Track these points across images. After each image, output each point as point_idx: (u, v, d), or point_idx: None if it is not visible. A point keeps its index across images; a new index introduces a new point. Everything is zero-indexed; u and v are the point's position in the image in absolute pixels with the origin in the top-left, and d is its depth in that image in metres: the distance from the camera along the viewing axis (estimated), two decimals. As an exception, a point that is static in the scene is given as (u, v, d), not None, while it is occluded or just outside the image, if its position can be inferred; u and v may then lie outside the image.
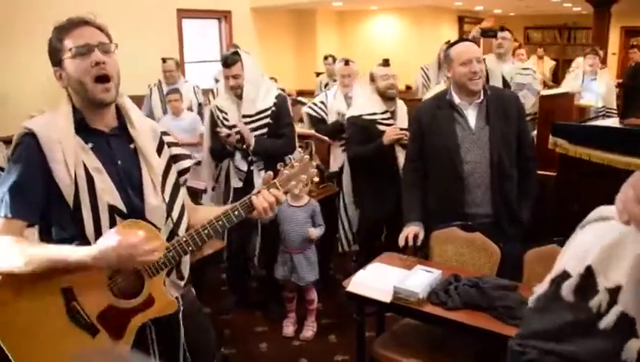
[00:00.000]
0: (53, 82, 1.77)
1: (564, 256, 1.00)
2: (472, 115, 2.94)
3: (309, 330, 3.76)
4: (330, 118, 4.47)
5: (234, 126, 3.69)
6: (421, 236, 2.97)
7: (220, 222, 1.80)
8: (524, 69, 5.30)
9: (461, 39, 3.14)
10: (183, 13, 8.62)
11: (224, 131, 3.69)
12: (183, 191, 1.92)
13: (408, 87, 8.49)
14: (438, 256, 2.96)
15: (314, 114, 4.55)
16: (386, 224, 4.02)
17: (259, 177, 3.71)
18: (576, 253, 0.97)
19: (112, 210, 1.70)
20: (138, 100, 5.89)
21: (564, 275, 0.96)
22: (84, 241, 1.67)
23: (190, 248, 1.77)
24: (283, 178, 1.89)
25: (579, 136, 3.33)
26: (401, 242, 2.94)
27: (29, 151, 1.66)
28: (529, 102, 5.04)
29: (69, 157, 1.66)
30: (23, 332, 1.66)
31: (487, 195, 2.91)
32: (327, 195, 4.26)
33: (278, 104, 3.76)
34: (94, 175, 1.69)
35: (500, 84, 4.82)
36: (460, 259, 2.91)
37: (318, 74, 9.17)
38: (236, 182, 3.83)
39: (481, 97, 2.94)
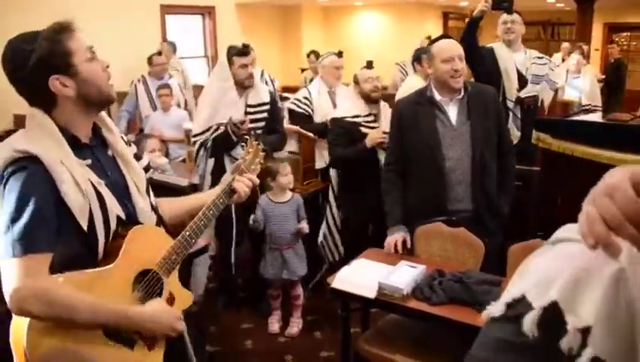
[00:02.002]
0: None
1: (524, 277, 0.86)
2: (453, 112, 2.94)
3: (295, 327, 3.76)
4: (316, 115, 4.42)
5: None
6: (408, 241, 2.97)
7: (211, 211, 1.92)
8: (539, 57, 4.50)
9: (443, 36, 3.13)
10: (167, 9, 8.55)
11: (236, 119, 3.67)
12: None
13: (384, 88, 8.42)
14: (422, 252, 2.96)
15: (299, 110, 4.47)
16: (372, 221, 4.01)
17: None
18: (538, 279, 0.83)
19: (118, 220, 1.70)
20: (122, 97, 5.88)
21: (525, 305, 0.82)
22: (89, 258, 1.62)
23: (193, 240, 1.86)
24: (247, 164, 2.09)
25: (562, 130, 3.34)
26: (391, 250, 2.92)
27: (37, 176, 1.54)
28: (548, 98, 4.51)
29: (78, 177, 1.58)
30: None
31: (469, 191, 2.91)
32: (311, 191, 4.26)
33: (272, 100, 3.88)
34: (100, 189, 1.64)
35: (514, 76, 4.28)
36: (444, 255, 2.91)
37: (303, 70, 9.14)
38: None
39: (462, 93, 2.94)
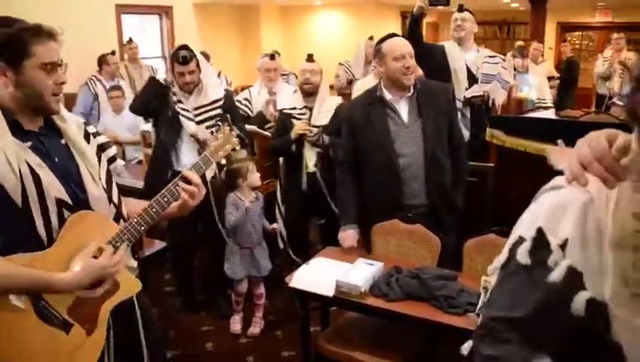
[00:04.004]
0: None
1: (519, 225, 1.06)
2: (404, 109, 2.97)
3: (257, 327, 3.73)
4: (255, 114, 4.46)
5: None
6: (356, 238, 3.02)
7: (165, 199, 1.91)
8: (491, 56, 4.44)
9: (392, 34, 3.13)
10: (122, 9, 8.38)
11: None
12: (114, 179, 1.96)
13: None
14: (380, 249, 2.98)
15: (239, 111, 4.48)
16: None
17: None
18: (530, 219, 1.04)
19: (60, 203, 1.70)
20: (72, 99, 5.74)
21: (520, 241, 1.02)
22: (35, 241, 1.65)
23: (142, 227, 1.86)
24: (212, 150, 2.07)
25: (515, 127, 3.41)
26: (345, 244, 2.98)
27: None
28: (500, 97, 4.37)
29: (11, 156, 1.61)
30: None
31: (424, 187, 2.94)
32: (271, 191, 4.24)
33: (228, 96, 3.84)
34: (38, 170, 1.66)
35: (463, 75, 4.24)
36: (401, 251, 2.94)
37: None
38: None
39: (412, 91, 2.97)
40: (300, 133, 3.73)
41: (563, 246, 0.96)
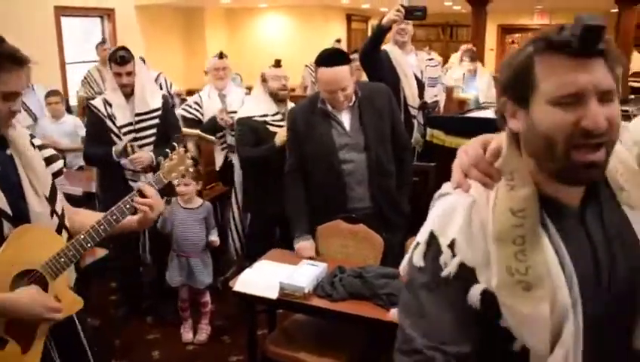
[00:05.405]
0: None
1: (420, 232, 1.14)
2: (346, 118, 2.95)
3: (203, 333, 3.69)
4: (206, 118, 4.36)
5: (124, 125, 3.58)
6: (313, 246, 2.98)
7: (114, 217, 1.87)
8: (429, 59, 4.49)
9: (328, 58, 2.87)
10: (62, 11, 8.15)
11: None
12: (60, 193, 1.90)
13: (292, 89, 8.39)
14: (323, 249, 2.99)
15: (189, 116, 4.42)
16: (279, 226, 3.90)
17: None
18: (425, 225, 1.13)
19: (4, 216, 1.66)
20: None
21: (417, 245, 1.12)
22: None
23: (88, 244, 1.81)
24: (165, 170, 2.04)
25: (454, 127, 3.48)
26: (304, 255, 2.92)
27: None
28: (442, 100, 4.43)
29: None
30: None
31: (368, 191, 2.96)
32: (215, 195, 4.21)
33: (165, 104, 3.75)
34: None
35: (413, 80, 4.15)
36: (345, 251, 2.96)
37: (207, 72, 9.00)
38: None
39: (353, 99, 2.94)
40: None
41: (451, 245, 1.05)
